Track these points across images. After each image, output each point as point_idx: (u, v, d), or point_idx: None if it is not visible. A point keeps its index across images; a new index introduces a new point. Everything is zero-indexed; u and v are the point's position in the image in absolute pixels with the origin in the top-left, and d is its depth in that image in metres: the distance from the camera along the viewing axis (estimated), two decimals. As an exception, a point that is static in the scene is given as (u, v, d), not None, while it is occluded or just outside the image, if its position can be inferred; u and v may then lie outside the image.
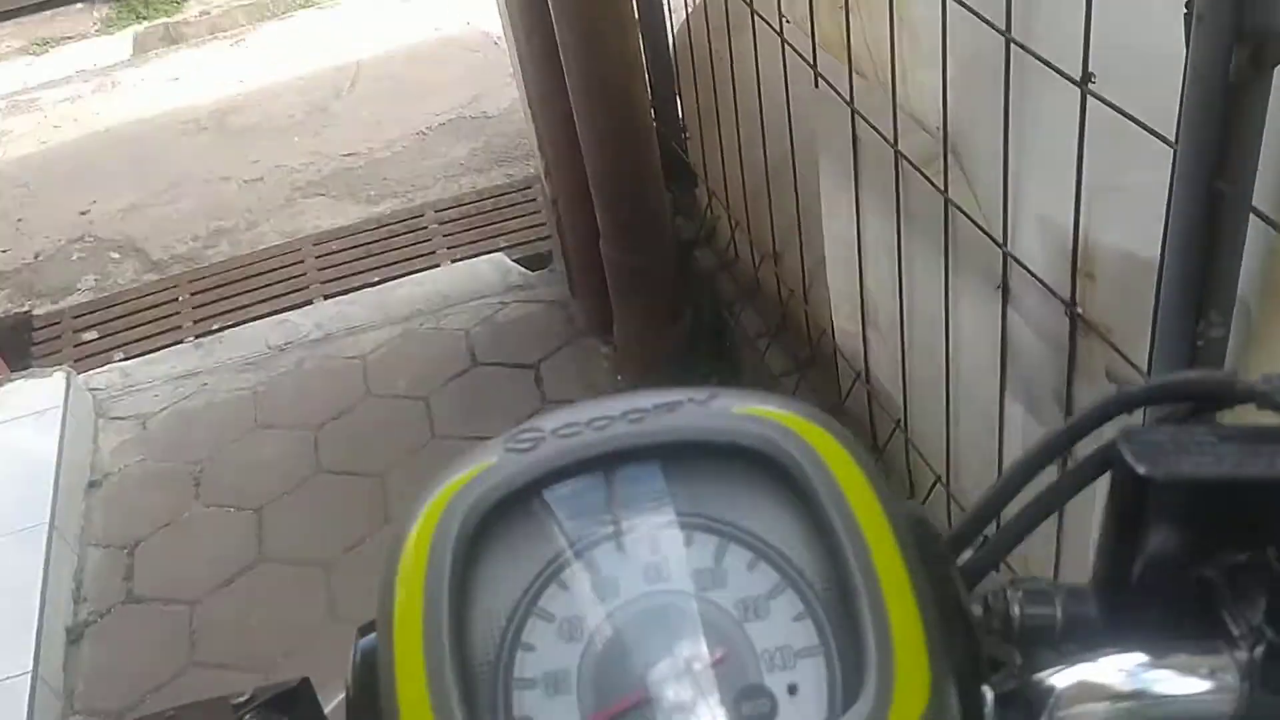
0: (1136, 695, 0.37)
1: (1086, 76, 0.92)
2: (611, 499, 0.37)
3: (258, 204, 3.43)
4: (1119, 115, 0.92)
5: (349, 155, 3.57)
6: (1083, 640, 0.38)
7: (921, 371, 1.57)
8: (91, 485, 2.53)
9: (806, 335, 2.03)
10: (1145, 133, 0.89)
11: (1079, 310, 1.09)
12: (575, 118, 2.21)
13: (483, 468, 0.37)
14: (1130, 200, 0.98)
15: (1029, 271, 1.16)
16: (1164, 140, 0.86)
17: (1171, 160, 0.85)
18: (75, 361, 2.87)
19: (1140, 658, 0.37)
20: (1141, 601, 0.37)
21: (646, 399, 0.38)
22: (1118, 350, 1.04)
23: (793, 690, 0.34)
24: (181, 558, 2.33)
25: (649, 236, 2.32)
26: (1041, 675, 0.38)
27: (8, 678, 2.01)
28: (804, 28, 1.59)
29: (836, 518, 0.35)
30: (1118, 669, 0.37)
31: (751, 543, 0.36)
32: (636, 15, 2.17)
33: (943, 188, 1.27)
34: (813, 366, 2.04)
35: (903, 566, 0.34)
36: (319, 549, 2.28)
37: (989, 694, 0.36)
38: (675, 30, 2.33)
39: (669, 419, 0.37)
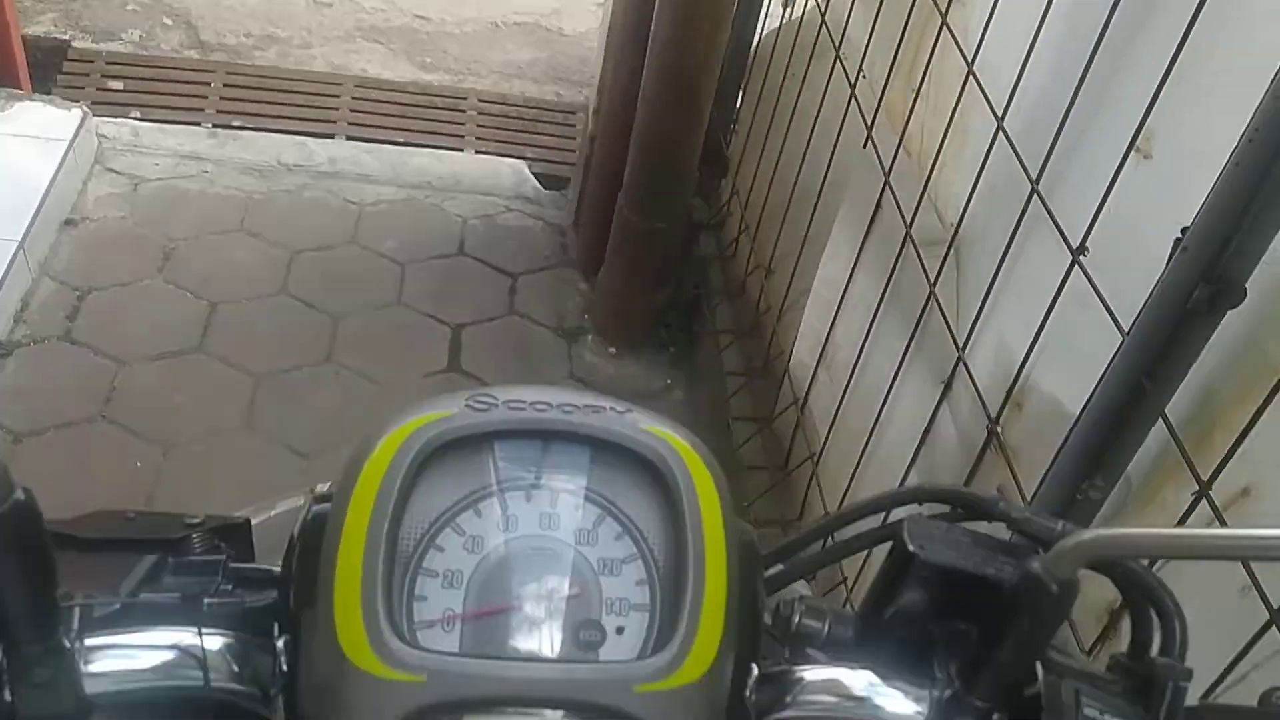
0: (858, 700, 0.50)
1: (1082, 248, 1.05)
2: (526, 463, 0.49)
3: (318, 27, 3.45)
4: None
5: (420, 17, 3.59)
6: (838, 652, 0.52)
7: (851, 421, 1.71)
8: (68, 223, 2.58)
9: (767, 349, 2.16)
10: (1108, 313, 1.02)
11: (999, 429, 1.23)
12: (644, 75, 2.29)
13: (446, 414, 0.48)
14: (1076, 361, 1.11)
15: (973, 381, 1.30)
16: (1119, 328, 0.99)
17: (1118, 346, 0.98)
18: (93, 104, 2.88)
19: (871, 676, 0.51)
20: (886, 636, 0.51)
21: (580, 398, 0.50)
22: (1014, 474, 1.18)
23: (620, 631, 0.47)
24: (126, 320, 2.38)
25: (665, 205, 2.41)
26: (798, 668, 0.51)
27: (-66, 367, 2.08)
28: (875, 89, 1.71)
29: (689, 520, 0.47)
30: (853, 678, 0.51)
31: (622, 520, 0.49)
32: (734, 9, 2.27)
33: (933, 281, 1.40)
34: (761, 378, 2.17)
35: (724, 566, 0.47)
36: (255, 361, 2.34)
37: (755, 670, 0.49)
38: (762, 33, 2.43)
39: (594, 418, 0.49)
